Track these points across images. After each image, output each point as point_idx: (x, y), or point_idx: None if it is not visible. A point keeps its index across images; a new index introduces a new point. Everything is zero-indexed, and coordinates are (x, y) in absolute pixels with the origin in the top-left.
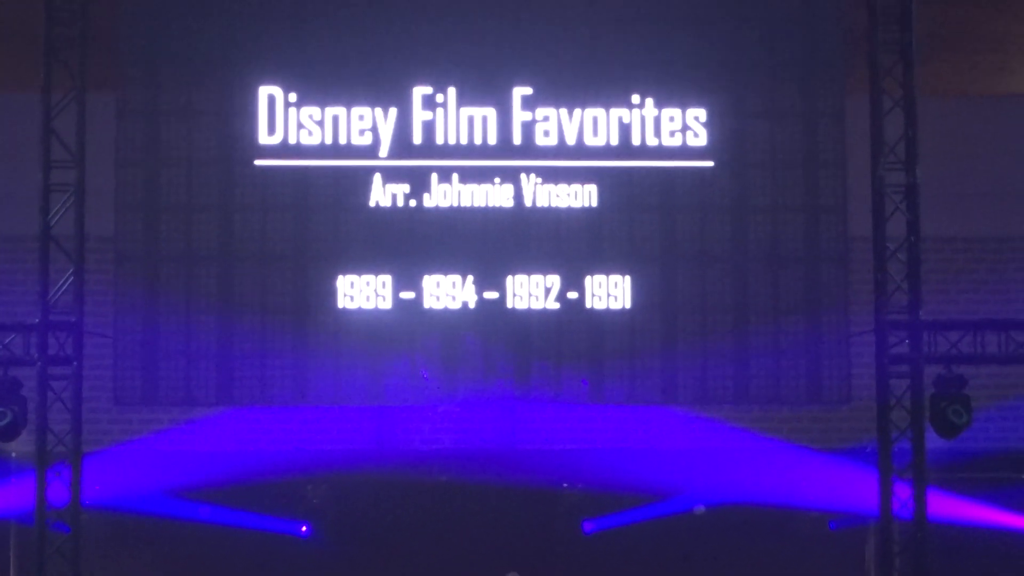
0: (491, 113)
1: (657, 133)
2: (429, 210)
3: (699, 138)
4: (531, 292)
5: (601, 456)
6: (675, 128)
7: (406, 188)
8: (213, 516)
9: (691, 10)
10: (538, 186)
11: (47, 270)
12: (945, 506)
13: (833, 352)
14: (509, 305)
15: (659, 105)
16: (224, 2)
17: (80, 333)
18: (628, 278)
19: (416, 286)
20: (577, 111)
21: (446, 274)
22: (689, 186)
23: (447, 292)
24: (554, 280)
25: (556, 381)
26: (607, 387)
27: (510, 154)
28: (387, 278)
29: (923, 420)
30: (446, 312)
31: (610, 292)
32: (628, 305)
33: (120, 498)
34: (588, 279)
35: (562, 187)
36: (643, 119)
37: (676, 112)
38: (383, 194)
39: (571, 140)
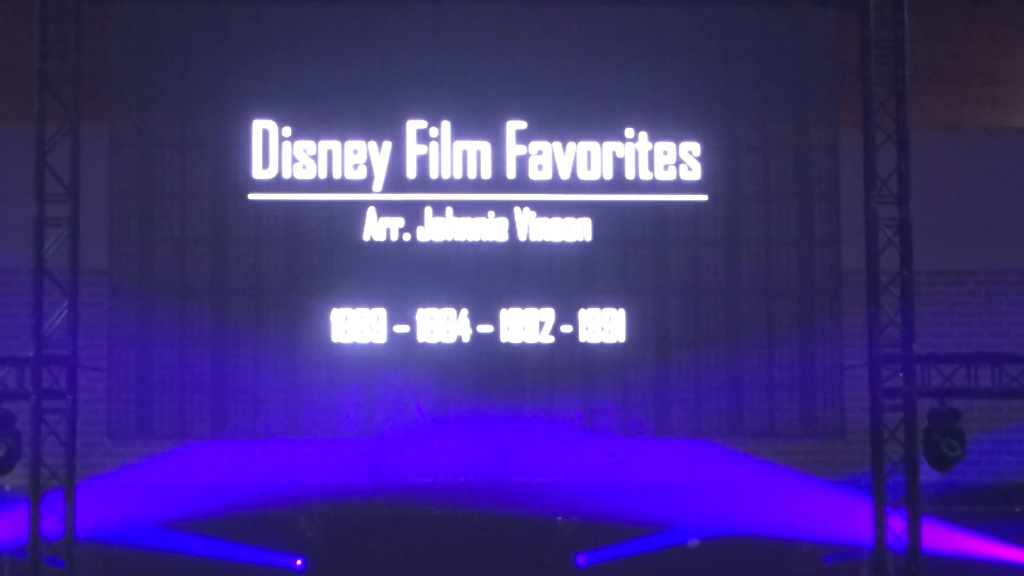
0: (485, 147)
1: (651, 167)
2: (423, 244)
3: (692, 172)
4: (525, 326)
5: (594, 488)
6: (669, 162)
7: (400, 222)
8: (207, 549)
9: (684, 44)
10: (532, 220)
11: (41, 303)
12: (940, 538)
13: (827, 385)
14: (503, 339)
15: (653, 139)
16: (218, 36)
17: (74, 366)
18: (622, 311)
19: (410, 320)
20: (571, 145)
21: (440, 307)
22: (683, 220)
23: (441, 326)
24: (548, 314)
25: (549, 414)
26: (600, 420)
27: (504, 188)
28: (381, 311)
29: (917, 453)
30: (440, 346)
31: (604, 325)
32: (622, 339)
33: (113, 531)
34: (582, 312)
35: (556, 221)
36: (637, 153)
37: (670, 146)
38: (377, 228)
39: (565, 174)
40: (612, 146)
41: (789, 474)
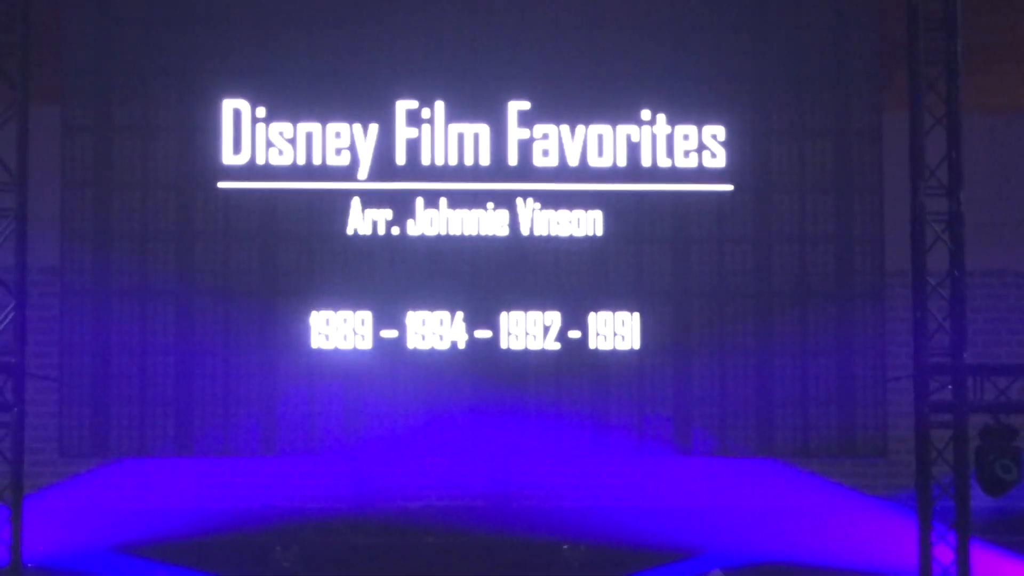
0: (484, 130)
1: (670, 153)
2: (414, 239)
3: (717, 159)
4: (528, 331)
5: (606, 513)
6: (690, 148)
7: (388, 214)
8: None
9: (709, 15)
10: (536, 212)
11: None
12: (992, 569)
13: (868, 399)
14: (503, 345)
15: (672, 122)
16: (184, 6)
17: (22, 376)
18: (636, 315)
19: (399, 324)
20: (580, 128)
21: (432, 310)
22: (705, 213)
23: (434, 331)
24: (554, 318)
25: (556, 429)
26: (613, 437)
27: (505, 176)
28: (366, 315)
29: (968, 475)
30: (432, 353)
31: (616, 331)
32: (636, 345)
33: (64, 556)
34: (592, 316)
35: (563, 213)
36: (654, 137)
37: (691, 130)
38: (362, 221)
39: (573, 161)
40: (626, 129)
41: (827, 490)
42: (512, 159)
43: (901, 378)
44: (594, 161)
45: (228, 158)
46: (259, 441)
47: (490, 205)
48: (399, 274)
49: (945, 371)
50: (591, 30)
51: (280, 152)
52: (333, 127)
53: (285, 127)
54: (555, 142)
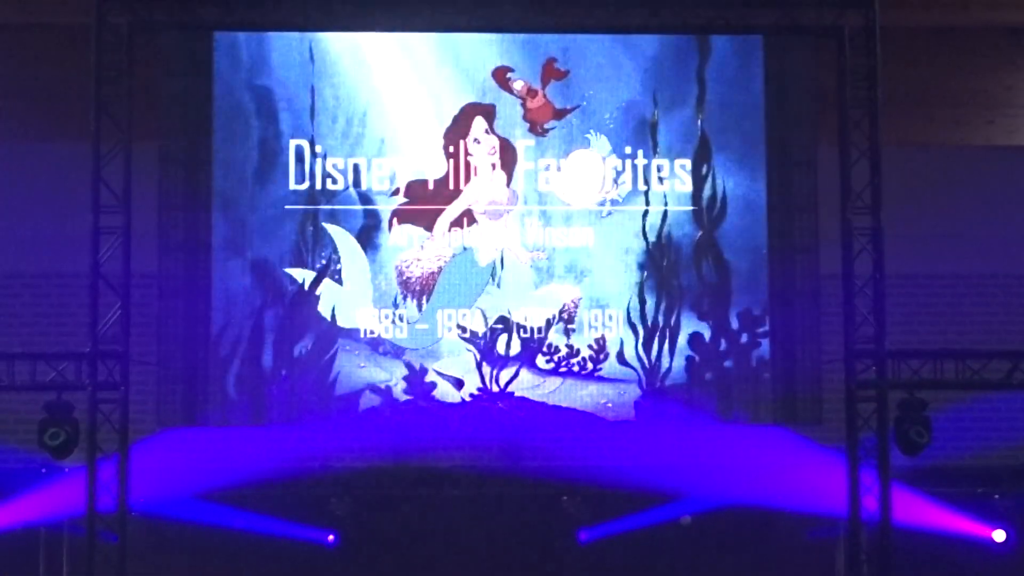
0: None
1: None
2: None
3: (685, 185)
4: None
5: (599, 470)
6: (664, 176)
7: None
8: (244, 522)
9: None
10: None
11: (96, 304)
12: (911, 511)
13: (807, 377)
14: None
15: (648, 156)
16: (262, 100)
17: (126, 361)
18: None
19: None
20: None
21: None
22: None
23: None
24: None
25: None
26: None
27: None
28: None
29: (888, 439)
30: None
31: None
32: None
33: (156, 503)
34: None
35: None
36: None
37: (664, 162)
38: None
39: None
40: (612, 161)
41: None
42: None
43: (834, 361)
44: None
45: (292, 185)
46: (318, 410)
47: None
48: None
49: (869, 355)
50: None
51: (335, 181)
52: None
53: (339, 161)
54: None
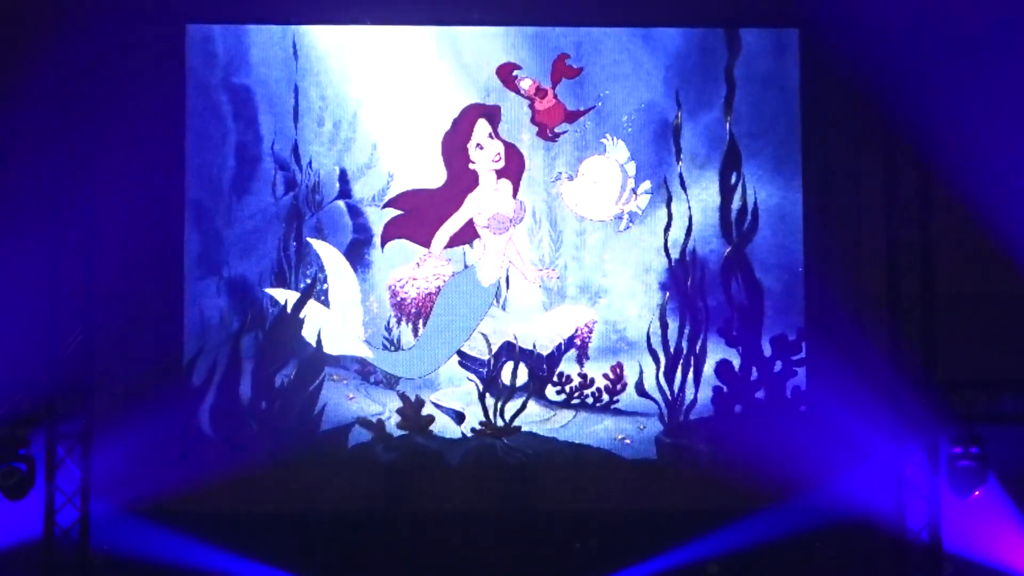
0: None
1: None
2: None
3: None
4: None
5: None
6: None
7: None
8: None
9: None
10: None
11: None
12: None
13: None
14: None
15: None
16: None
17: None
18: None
19: None
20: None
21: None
22: None
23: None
24: None
25: None
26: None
27: None
28: None
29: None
30: None
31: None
32: None
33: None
34: None
35: None
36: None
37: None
38: None
39: None
40: (631, 169)
41: None
42: None
43: None
44: None
45: (273, 196)
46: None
47: None
48: None
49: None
50: None
51: (319, 190)
52: None
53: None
54: None
